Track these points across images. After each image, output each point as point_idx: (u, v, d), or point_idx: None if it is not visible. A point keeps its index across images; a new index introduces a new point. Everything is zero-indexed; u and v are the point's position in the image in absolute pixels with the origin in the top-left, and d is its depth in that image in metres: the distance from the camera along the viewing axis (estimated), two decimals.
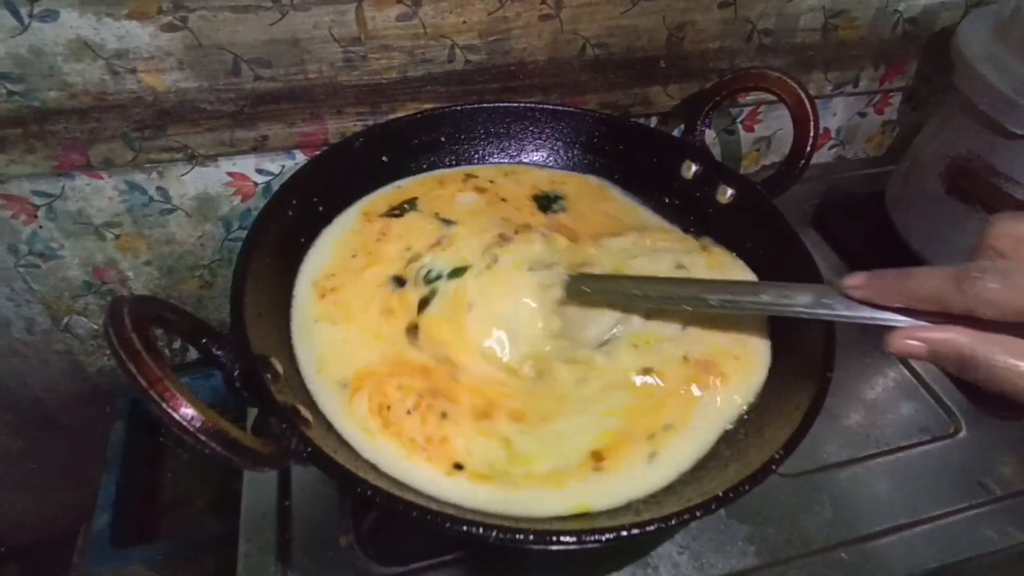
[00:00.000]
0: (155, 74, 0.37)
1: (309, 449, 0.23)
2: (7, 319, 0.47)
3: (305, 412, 0.26)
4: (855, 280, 0.24)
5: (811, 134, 0.34)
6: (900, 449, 0.35)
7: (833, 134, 0.58)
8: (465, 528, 0.21)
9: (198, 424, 0.20)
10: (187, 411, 0.20)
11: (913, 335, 0.23)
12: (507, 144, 0.40)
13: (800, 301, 0.26)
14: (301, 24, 0.37)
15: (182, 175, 0.42)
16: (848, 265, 0.46)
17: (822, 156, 0.60)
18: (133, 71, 0.37)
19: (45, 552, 0.65)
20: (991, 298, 0.21)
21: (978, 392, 0.37)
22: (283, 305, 0.31)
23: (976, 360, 0.21)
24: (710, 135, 0.51)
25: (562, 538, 0.21)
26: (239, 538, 0.30)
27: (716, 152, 0.54)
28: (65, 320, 0.48)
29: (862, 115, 0.57)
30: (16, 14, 0.34)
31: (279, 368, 0.27)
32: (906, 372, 0.39)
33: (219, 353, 0.25)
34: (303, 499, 0.32)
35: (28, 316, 0.47)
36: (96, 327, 0.50)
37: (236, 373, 0.25)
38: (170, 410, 0.19)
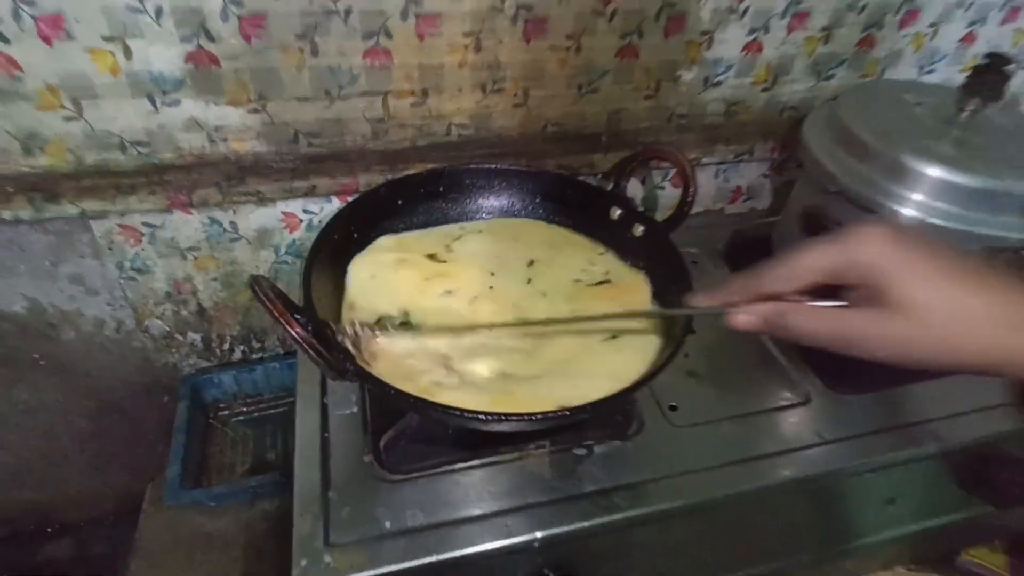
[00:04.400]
0: (240, 142, 0.53)
1: (355, 369, 0.37)
2: (103, 320, 0.61)
3: (353, 351, 0.40)
4: (694, 298, 0.38)
5: (691, 189, 0.50)
6: (764, 412, 0.49)
7: (744, 191, 0.74)
8: (455, 413, 0.35)
9: (303, 339, 0.34)
10: (298, 331, 0.34)
11: (740, 313, 0.36)
12: (487, 194, 0.56)
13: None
14: (344, 109, 0.54)
15: (250, 213, 0.57)
16: None
17: (737, 207, 0.76)
18: (225, 140, 0.52)
19: (96, 529, 0.76)
20: (769, 284, 0.34)
21: (824, 371, 0.51)
22: (334, 294, 0.46)
23: (785, 325, 0.32)
24: (643, 187, 0.67)
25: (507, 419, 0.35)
26: (295, 459, 0.43)
27: (657, 201, 0.70)
28: (146, 323, 0.62)
29: (765, 176, 0.73)
30: (152, 102, 0.50)
31: (334, 327, 0.41)
32: (777, 354, 0.53)
33: (298, 317, 0.39)
34: (337, 433, 0.45)
35: (119, 319, 0.61)
36: (168, 329, 0.64)
37: (310, 330, 0.39)
38: (291, 330, 0.33)
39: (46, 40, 0.45)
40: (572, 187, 0.55)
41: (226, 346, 0.67)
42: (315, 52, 0.50)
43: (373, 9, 0.49)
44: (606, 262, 0.52)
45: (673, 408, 0.48)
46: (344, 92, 0.53)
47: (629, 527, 0.41)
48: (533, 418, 0.35)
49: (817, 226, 0.54)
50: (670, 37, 0.57)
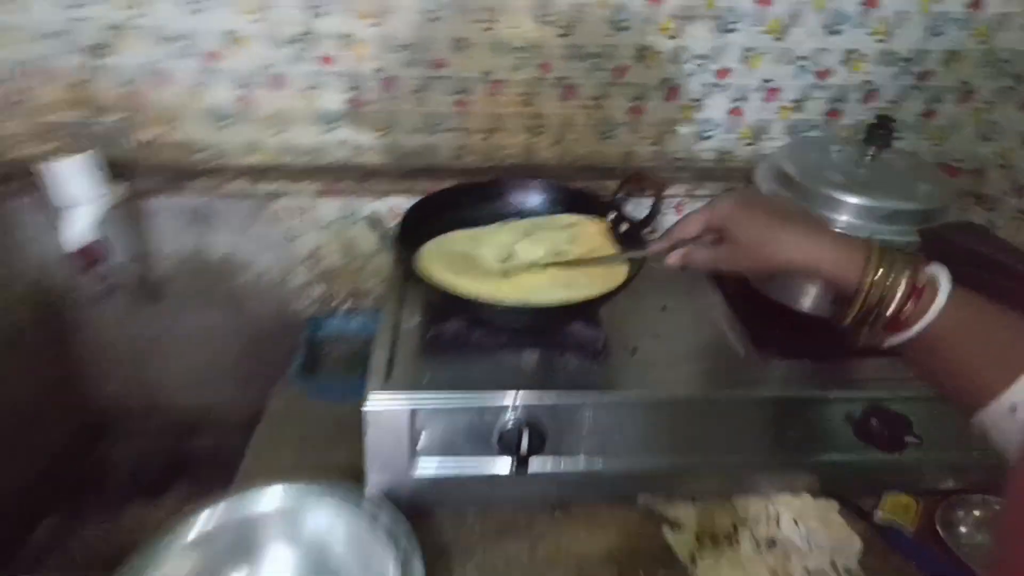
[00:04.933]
0: (369, 156, 0.82)
1: (416, 276, 0.61)
2: (265, 271, 0.90)
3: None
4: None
5: (661, 199, 0.71)
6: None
7: None
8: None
9: (396, 250, 0.58)
10: (395, 250, 0.58)
11: (669, 257, 0.55)
12: (523, 199, 0.79)
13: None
14: (438, 139, 0.81)
15: (367, 204, 0.85)
16: None
17: None
18: (360, 154, 0.81)
19: (234, 431, 1.02)
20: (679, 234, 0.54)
21: (757, 339, 0.68)
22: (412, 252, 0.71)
23: (690, 259, 0.52)
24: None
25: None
26: (374, 347, 0.66)
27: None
28: (289, 276, 0.91)
29: None
30: (322, 127, 0.79)
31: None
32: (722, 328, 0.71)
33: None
34: (404, 336, 0.68)
35: (275, 271, 0.90)
36: (303, 283, 0.91)
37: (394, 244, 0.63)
38: (386, 244, 0.58)
39: (274, 88, 0.76)
40: (579, 195, 0.77)
41: (338, 300, 0.93)
42: (422, 103, 0.78)
43: (462, 76, 0.77)
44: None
45: (634, 351, 0.67)
46: (439, 128, 0.80)
47: (580, 407, 0.60)
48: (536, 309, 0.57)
49: None
50: (669, 101, 0.80)
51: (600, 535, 0.66)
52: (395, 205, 0.85)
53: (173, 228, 0.85)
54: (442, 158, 0.82)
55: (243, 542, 0.58)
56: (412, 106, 0.78)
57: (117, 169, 0.76)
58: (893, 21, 0.77)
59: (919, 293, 0.41)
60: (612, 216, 0.74)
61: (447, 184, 0.78)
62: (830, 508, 0.66)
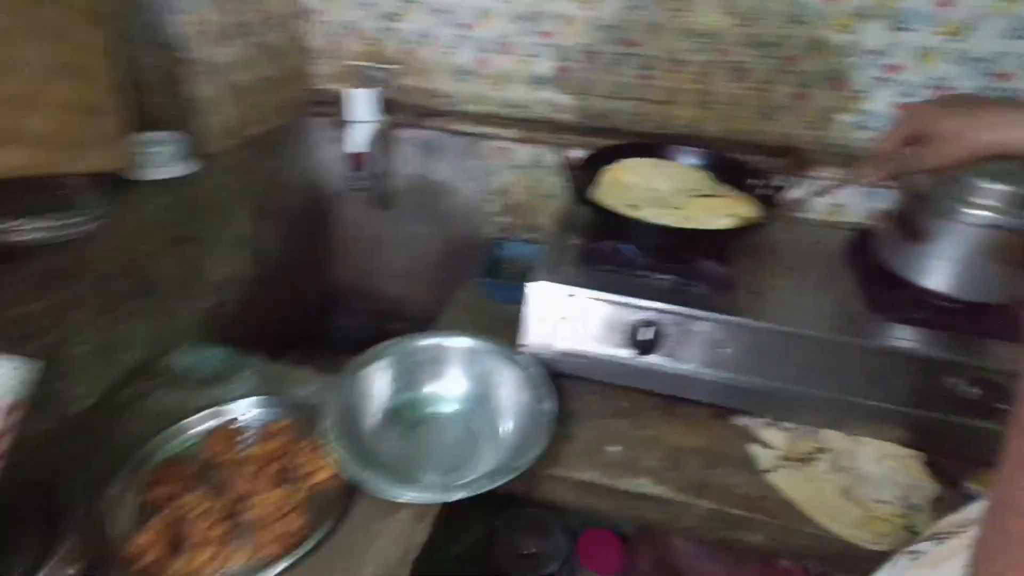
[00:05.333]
0: (565, 114, 1.02)
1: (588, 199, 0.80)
2: (469, 196, 1.16)
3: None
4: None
5: (798, 172, 0.81)
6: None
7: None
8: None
9: (574, 177, 0.78)
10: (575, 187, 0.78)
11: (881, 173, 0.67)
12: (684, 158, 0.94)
13: None
14: (621, 105, 0.99)
15: (563, 151, 1.06)
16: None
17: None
18: (558, 111, 1.02)
19: (419, 319, 1.31)
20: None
21: (876, 304, 0.77)
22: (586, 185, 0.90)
23: (902, 169, 0.64)
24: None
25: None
26: (541, 252, 0.87)
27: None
28: (497, 204, 1.15)
29: None
30: (531, 88, 1.02)
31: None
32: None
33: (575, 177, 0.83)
34: (561, 252, 0.87)
35: (476, 198, 1.15)
36: (494, 211, 1.16)
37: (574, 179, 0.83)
38: (569, 176, 0.78)
39: (504, 53, 0.99)
40: (733, 165, 0.90)
41: (517, 229, 1.16)
42: (614, 74, 0.97)
43: (649, 55, 0.94)
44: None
45: (757, 294, 0.80)
46: (623, 96, 0.98)
47: (697, 322, 0.75)
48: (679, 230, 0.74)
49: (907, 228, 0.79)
50: (833, 91, 0.90)
51: (694, 435, 0.80)
52: (577, 157, 1.04)
53: (409, 154, 1.14)
54: (622, 121, 1.00)
55: (434, 363, 0.83)
56: (605, 76, 0.97)
57: (385, 104, 1.06)
58: None
59: None
60: (760, 184, 0.86)
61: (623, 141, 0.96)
62: (915, 458, 0.74)
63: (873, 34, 0.84)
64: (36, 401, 0.57)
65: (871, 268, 0.83)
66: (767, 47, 0.89)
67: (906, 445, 0.75)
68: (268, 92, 1.01)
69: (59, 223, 0.68)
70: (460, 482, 0.67)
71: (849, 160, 0.94)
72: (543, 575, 1.23)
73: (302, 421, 0.77)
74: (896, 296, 0.77)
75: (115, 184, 0.78)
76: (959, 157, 0.55)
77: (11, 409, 0.52)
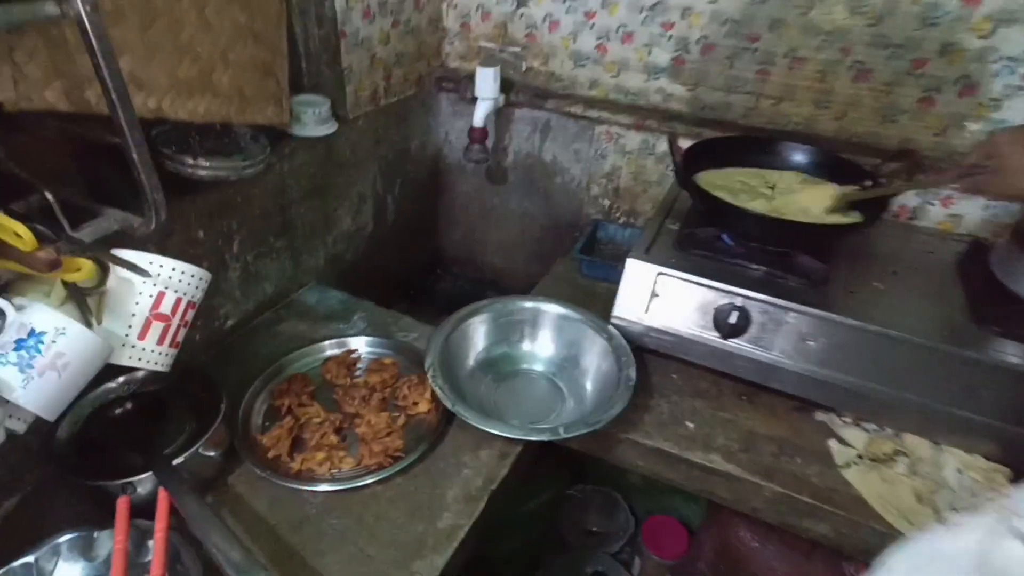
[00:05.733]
0: (676, 104, 1.05)
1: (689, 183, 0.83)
2: (576, 177, 1.21)
3: None
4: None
5: (914, 174, 0.80)
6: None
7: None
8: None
9: (678, 158, 0.82)
10: (677, 158, 0.82)
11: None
12: (797, 164, 0.94)
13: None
14: (734, 99, 1.01)
15: (661, 141, 1.09)
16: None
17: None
18: (670, 101, 1.05)
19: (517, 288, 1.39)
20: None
21: (980, 316, 0.75)
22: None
23: (967, 186, 0.68)
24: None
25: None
26: (642, 234, 0.91)
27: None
28: (591, 185, 1.21)
29: None
30: (648, 77, 1.05)
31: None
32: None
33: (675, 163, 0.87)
34: (664, 233, 0.91)
35: (582, 179, 1.21)
36: (597, 193, 1.21)
37: (678, 165, 0.86)
38: (674, 153, 0.82)
39: (623, 42, 1.04)
40: (842, 164, 0.90)
41: (618, 213, 1.21)
42: (730, 67, 0.98)
43: (769, 50, 0.95)
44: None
45: (851, 292, 0.80)
46: (737, 90, 1.00)
47: (784, 312, 0.77)
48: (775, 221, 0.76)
49: None
50: (962, 97, 0.87)
51: (771, 423, 0.82)
52: (685, 147, 1.07)
53: (524, 132, 1.21)
54: (733, 115, 1.02)
55: (529, 324, 0.90)
56: (721, 69, 0.99)
57: (506, 84, 1.13)
58: None
59: None
60: (869, 183, 0.86)
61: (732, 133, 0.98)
62: (1000, 472, 0.72)
63: (1014, 40, 0.81)
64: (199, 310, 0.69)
65: (982, 279, 0.80)
66: (895, 48, 0.87)
67: (994, 459, 0.73)
68: (403, 66, 1.11)
69: (229, 165, 0.81)
70: (541, 426, 0.74)
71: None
72: (606, 552, 1.28)
73: (407, 360, 0.87)
74: (1006, 309, 0.75)
75: (273, 137, 0.90)
76: (1014, 195, 0.60)
77: (189, 305, 0.64)
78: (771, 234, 0.82)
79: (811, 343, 0.78)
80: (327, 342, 0.90)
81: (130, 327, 0.57)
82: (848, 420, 0.81)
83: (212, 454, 0.70)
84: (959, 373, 0.73)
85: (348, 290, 1.04)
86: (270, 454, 0.74)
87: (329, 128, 0.99)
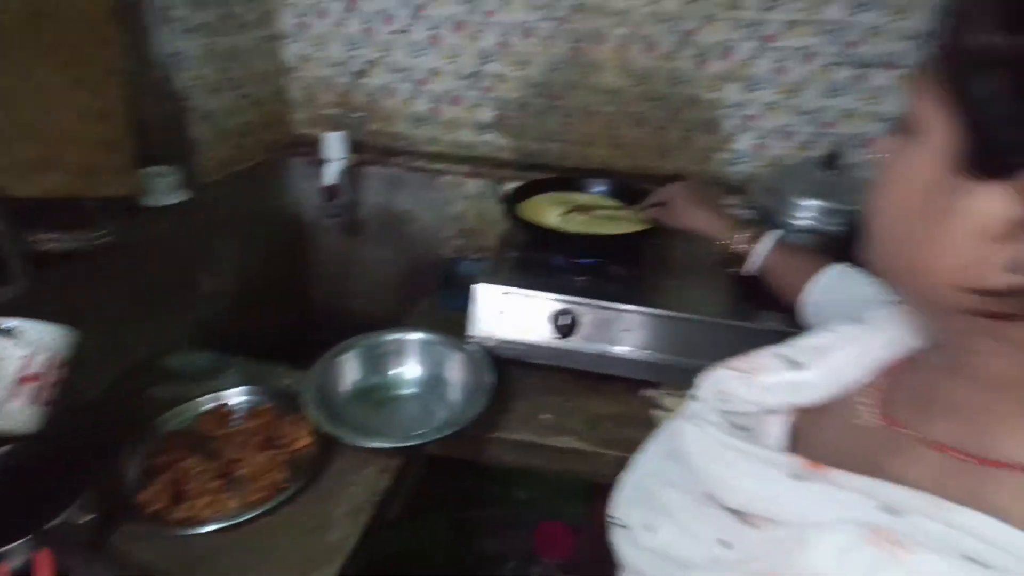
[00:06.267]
0: (503, 153, 1.24)
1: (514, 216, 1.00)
2: (429, 223, 1.35)
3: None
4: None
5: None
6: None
7: None
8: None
9: (508, 205, 0.99)
10: (506, 207, 0.99)
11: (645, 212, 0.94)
12: (602, 192, 1.16)
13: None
14: (548, 147, 1.21)
15: (497, 184, 1.27)
16: None
17: None
18: (499, 151, 1.24)
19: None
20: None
21: (743, 297, 0.99)
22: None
23: (657, 216, 0.93)
24: None
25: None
26: (485, 264, 1.06)
27: None
28: (442, 229, 1.35)
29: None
30: (475, 132, 1.24)
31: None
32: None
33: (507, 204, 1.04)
34: (505, 258, 1.07)
35: (434, 224, 1.34)
36: (449, 236, 1.35)
37: (507, 203, 1.03)
38: (504, 202, 0.99)
39: (453, 104, 1.21)
40: (635, 189, 1.12)
41: (469, 250, 1.36)
42: (543, 122, 1.19)
43: (570, 107, 1.17)
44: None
45: (655, 287, 1.01)
46: (551, 139, 1.21)
47: (608, 310, 0.95)
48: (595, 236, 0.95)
49: None
50: (709, 135, 1.15)
51: (610, 404, 0.99)
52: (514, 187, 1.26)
53: (376, 187, 1.33)
54: (551, 159, 1.23)
55: (396, 353, 1.00)
56: (535, 123, 1.20)
57: (353, 145, 1.25)
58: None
59: (756, 243, 0.76)
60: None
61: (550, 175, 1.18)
62: None
63: (733, 93, 1.10)
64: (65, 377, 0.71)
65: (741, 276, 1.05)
66: (658, 101, 1.13)
67: None
68: (252, 135, 1.19)
69: (83, 237, 0.84)
70: (415, 433, 0.83)
71: (730, 188, 1.18)
72: (506, 571, 1.37)
73: (283, 404, 0.92)
74: (761, 289, 0.99)
75: (127, 208, 0.94)
76: (679, 226, 0.89)
77: (61, 364, 0.66)
78: (587, 249, 1.01)
79: (629, 332, 0.96)
80: (200, 398, 0.93)
81: (2, 390, 0.59)
82: (666, 391, 1.00)
83: (87, 518, 0.71)
84: (736, 339, 0.93)
85: (221, 350, 1.06)
86: (150, 510, 0.76)
87: (181, 196, 1.04)
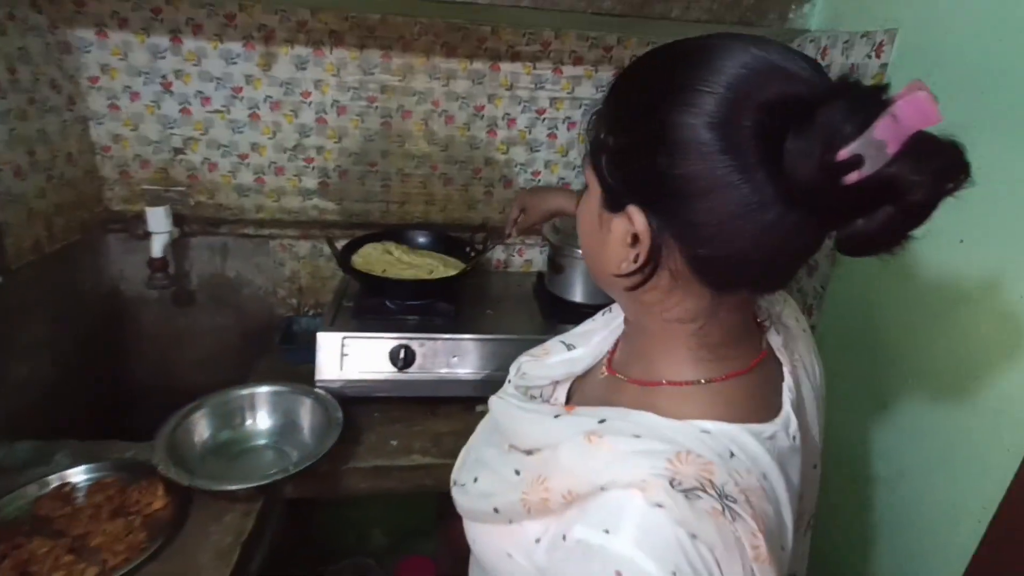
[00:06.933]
0: (330, 215, 1.37)
1: (346, 267, 1.14)
2: (261, 286, 1.41)
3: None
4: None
5: (494, 243, 1.27)
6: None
7: None
8: None
9: (337, 256, 1.12)
10: (337, 256, 1.12)
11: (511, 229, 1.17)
12: (422, 244, 1.35)
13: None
14: (369, 207, 1.37)
15: (325, 244, 1.39)
16: None
17: None
18: (324, 214, 1.37)
19: None
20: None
21: (548, 315, 1.22)
22: (348, 260, 1.24)
23: (520, 226, 1.16)
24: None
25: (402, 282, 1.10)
26: (324, 313, 1.17)
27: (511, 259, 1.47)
28: (276, 290, 1.42)
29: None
30: (303, 198, 1.36)
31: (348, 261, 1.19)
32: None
33: (337, 254, 1.17)
34: (343, 308, 1.19)
35: (267, 287, 1.41)
36: (284, 296, 1.43)
37: (338, 254, 1.16)
38: (334, 252, 1.12)
39: (277, 174, 1.32)
40: (451, 239, 1.33)
41: (306, 307, 1.44)
42: (363, 185, 1.35)
43: (386, 171, 1.35)
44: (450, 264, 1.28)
45: (489, 312, 1.20)
46: (372, 200, 1.37)
47: (436, 342, 1.12)
48: (414, 281, 1.11)
49: (554, 265, 1.29)
50: (507, 189, 1.40)
51: (449, 422, 1.14)
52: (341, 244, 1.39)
53: (204, 256, 1.37)
54: (373, 217, 1.38)
55: (247, 407, 1.06)
56: (356, 187, 1.35)
57: (177, 218, 1.29)
58: None
59: None
60: (468, 249, 1.29)
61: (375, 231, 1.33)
62: None
63: (519, 153, 1.37)
64: None
65: (544, 293, 1.29)
66: (461, 163, 1.36)
67: None
68: (63, 214, 1.18)
69: None
70: (272, 473, 0.91)
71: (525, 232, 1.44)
72: None
73: (129, 475, 0.93)
74: (557, 307, 1.24)
75: None
76: (543, 216, 1.10)
77: None
78: (415, 291, 1.17)
79: (458, 358, 1.14)
80: (30, 486, 0.90)
81: None
82: None
83: None
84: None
85: (43, 437, 1.03)
86: None
87: None
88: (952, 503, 0.74)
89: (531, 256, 1.46)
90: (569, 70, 1.31)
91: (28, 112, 1.07)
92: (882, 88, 0.34)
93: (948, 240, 0.74)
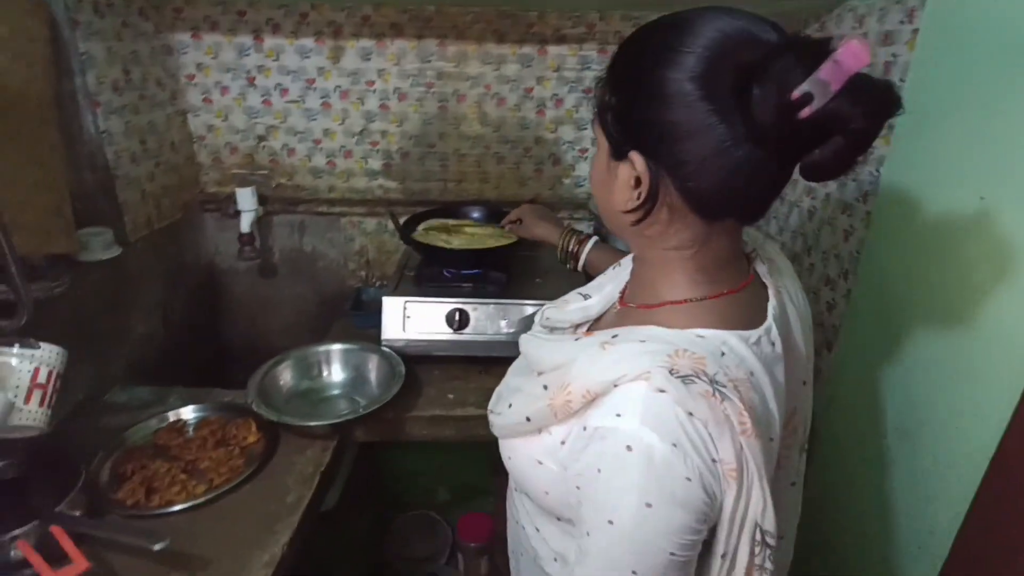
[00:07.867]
0: (393, 194, 1.50)
1: (408, 239, 1.26)
2: (334, 259, 1.57)
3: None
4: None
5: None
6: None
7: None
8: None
9: (399, 229, 1.24)
10: (399, 231, 1.25)
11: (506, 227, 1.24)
12: (477, 217, 1.45)
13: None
14: (427, 186, 1.49)
15: (388, 219, 1.52)
16: None
17: None
18: (388, 192, 1.50)
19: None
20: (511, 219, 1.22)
21: None
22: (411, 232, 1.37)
23: (516, 230, 1.21)
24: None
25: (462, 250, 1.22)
26: (389, 281, 1.30)
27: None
28: (348, 264, 1.57)
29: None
30: (368, 179, 1.49)
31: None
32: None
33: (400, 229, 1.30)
34: (406, 276, 1.32)
35: (339, 260, 1.57)
36: (354, 268, 1.58)
37: (401, 229, 1.29)
38: (397, 228, 1.24)
39: (346, 157, 1.46)
40: (502, 212, 1.43)
41: (372, 279, 1.59)
42: (423, 165, 1.47)
43: (444, 152, 1.46)
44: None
45: (538, 280, 1.30)
46: (431, 179, 1.49)
47: (487, 307, 1.22)
48: (467, 250, 1.22)
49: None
50: (556, 167, 1.48)
51: (499, 379, 1.24)
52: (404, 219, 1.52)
53: (285, 232, 1.53)
54: (433, 195, 1.50)
55: (323, 361, 1.20)
56: (417, 167, 1.48)
57: (261, 198, 1.46)
58: None
59: (582, 245, 1.06)
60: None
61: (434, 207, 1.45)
62: None
63: (567, 132, 1.44)
64: None
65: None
66: (512, 143, 1.45)
67: None
68: (169, 196, 1.37)
69: (43, 288, 0.99)
70: (344, 413, 1.05)
71: (576, 205, 1.52)
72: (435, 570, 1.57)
73: (229, 414, 1.10)
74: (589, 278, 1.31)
75: (67, 263, 1.09)
76: (529, 236, 1.18)
77: (57, 375, 0.82)
78: (469, 261, 1.28)
79: (506, 320, 1.24)
80: (151, 420, 1.08)
81: (16, 395, 0.75)
82: None
83: (76, 514, 0.85)
84: None
85: (153, 385, 1.21)
86: (129, 502, 0.91)
87: (114, 252, 1.19)
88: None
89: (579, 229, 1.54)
90: (614, 50, 1.37)
91: (139, 107, 1.25)
92: (826, 40, 0.41)
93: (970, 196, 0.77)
